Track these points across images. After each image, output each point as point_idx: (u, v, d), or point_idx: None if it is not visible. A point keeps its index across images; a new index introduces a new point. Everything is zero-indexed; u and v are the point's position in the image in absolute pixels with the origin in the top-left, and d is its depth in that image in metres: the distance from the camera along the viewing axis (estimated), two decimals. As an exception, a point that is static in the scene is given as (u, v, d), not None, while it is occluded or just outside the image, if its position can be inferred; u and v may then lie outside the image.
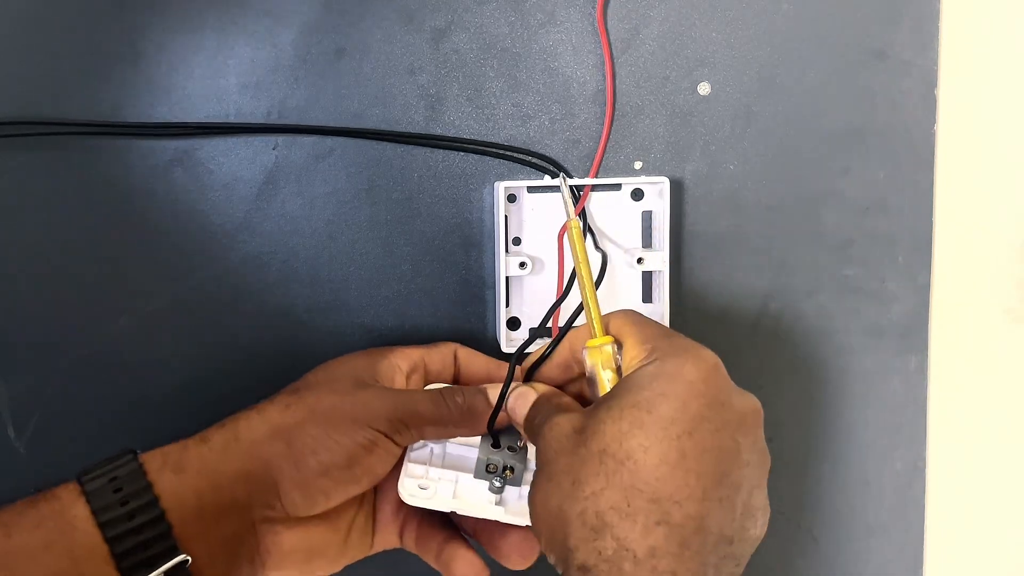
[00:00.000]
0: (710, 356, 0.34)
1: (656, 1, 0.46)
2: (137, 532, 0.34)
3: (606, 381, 0.37)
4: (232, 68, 0.44)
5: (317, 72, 0.44)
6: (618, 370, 0.37)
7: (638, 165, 0.47)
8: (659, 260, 0.47)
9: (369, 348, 0.43)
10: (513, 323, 0.47)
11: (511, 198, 0.46)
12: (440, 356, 0.43)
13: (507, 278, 0.46)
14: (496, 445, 0.41)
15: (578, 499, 0.32)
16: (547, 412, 0.37)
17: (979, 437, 0.53)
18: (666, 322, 0.47)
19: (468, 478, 0.40)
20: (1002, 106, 0.50)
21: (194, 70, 0.44)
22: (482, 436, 0.41)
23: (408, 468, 0.40)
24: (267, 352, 0.46)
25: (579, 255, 0.40)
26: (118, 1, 0.43)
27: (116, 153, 0.43)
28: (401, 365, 0.41)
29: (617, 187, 0.47)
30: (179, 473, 0.36)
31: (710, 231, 0.48)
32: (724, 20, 0.47)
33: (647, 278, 0.48)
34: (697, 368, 0.33)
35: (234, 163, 0.44)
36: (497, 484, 0.39)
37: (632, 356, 0.36)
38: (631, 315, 0.39)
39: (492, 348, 0.47)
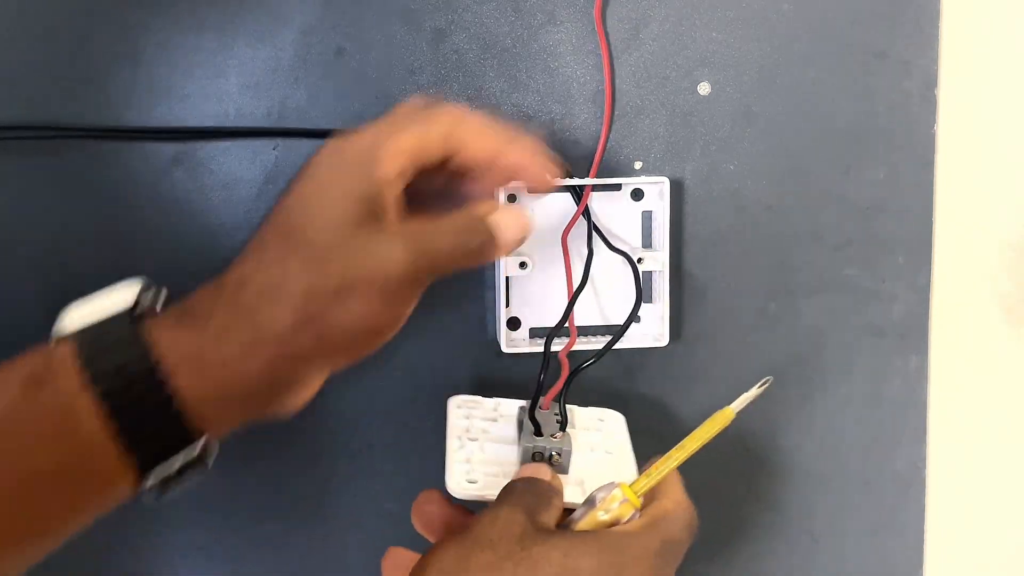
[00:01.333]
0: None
1: (656, 1, 0.46)
2: (154, 427, 0.31)
3: (598, 517, 0.36)
4: (232, 68, 0.44)
5: (317, 72, 0.44)
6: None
7: (638, 165, 0.47)
8: (659, 260, 0.47)
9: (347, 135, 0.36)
10: (513, 323, 0.47)
11: (511, 198, 0.46)
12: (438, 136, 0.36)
13: (507, 278, 0.46)
14: (538, 433, 0.41)
15: None
16: (536, 494, 0.36)
17: (979, 437, 0.53)
18: (666, 322, 0.47)
19: (515, 469, 0.40)
20: (1002, 106, 0.50)
21: (194, 70, 0.44)
22: (522, 426, 0.41)
23: (453, 463, 0.40)
24: (267, 352, 0.46)
25: (703, 439, 0.38)
26: (118, 1, 0.43)
27: (116, 154, 0.43)
28: (395, 170, 0.35)
29: (617, 187, 0.47)
30: (200, 375, 0.32)
31: (710, 231, 0.48)
32: (724, 20, 0.47)
33: (647, 278, 0.48)
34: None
35: (234, 164, 0.44)
36: None
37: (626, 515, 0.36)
38: (684, 514, 0.37)
39: (492, 348, 0.47)
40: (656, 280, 0.48)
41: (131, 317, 0.33)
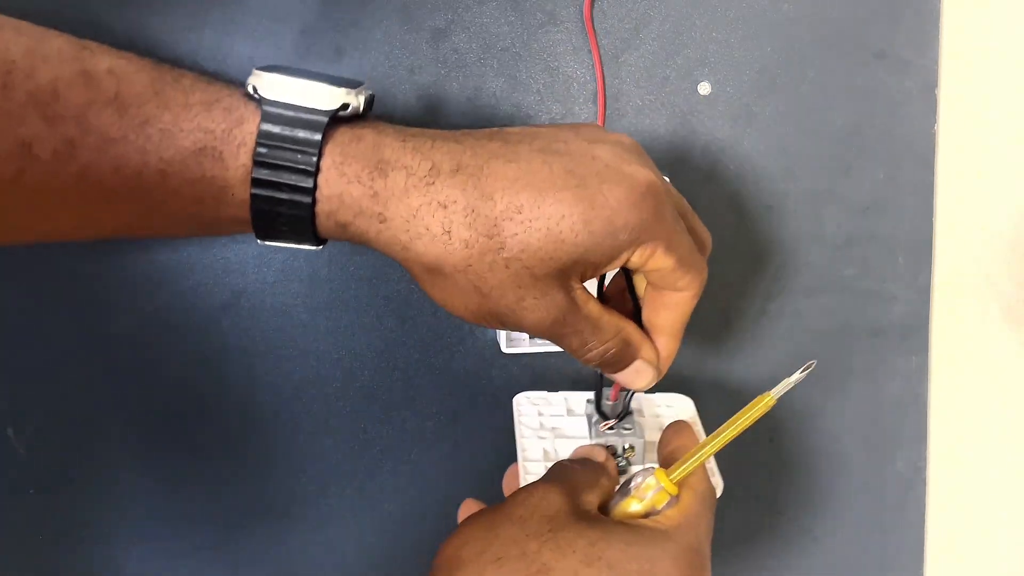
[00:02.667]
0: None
1: (656, 1, 0.46)
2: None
3: (632, 507, 0.36)
4: (232, 68, 0.44)
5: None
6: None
7: (638, 165, 0.47)
8: (659, 260, 0.47)
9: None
10: (513, 323, 0.47)
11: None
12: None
13: (507, 278, 0.46)
14: (610, 428, 0.41)
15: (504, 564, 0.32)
16: (582, 475, 0.36)
17: (979, 437, 0.53)
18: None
19: None
20: (1002, 106, 0.50)
21: (194, 70, 0.44)
22: (592, 422, 0.41)
23: (527, 467, 0.40)
24: (266, 352, 0.46)
25: (742, 425, 0.37)
26: (118, 1, 0.43)
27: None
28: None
29: (617, 187, 0.47)
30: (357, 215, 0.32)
31: (710, 231, 0.48)
32: (724, 20, 0.47)
33: (647, 278, 0.48)
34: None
35: (234, 163, 0.44)
36: (622, 464, 0.40)
37: (661, 503, 0.35)
38: (708, 498, 0.37)
39: (492, 348, 0.47)
40: (656, 280, 0.48)
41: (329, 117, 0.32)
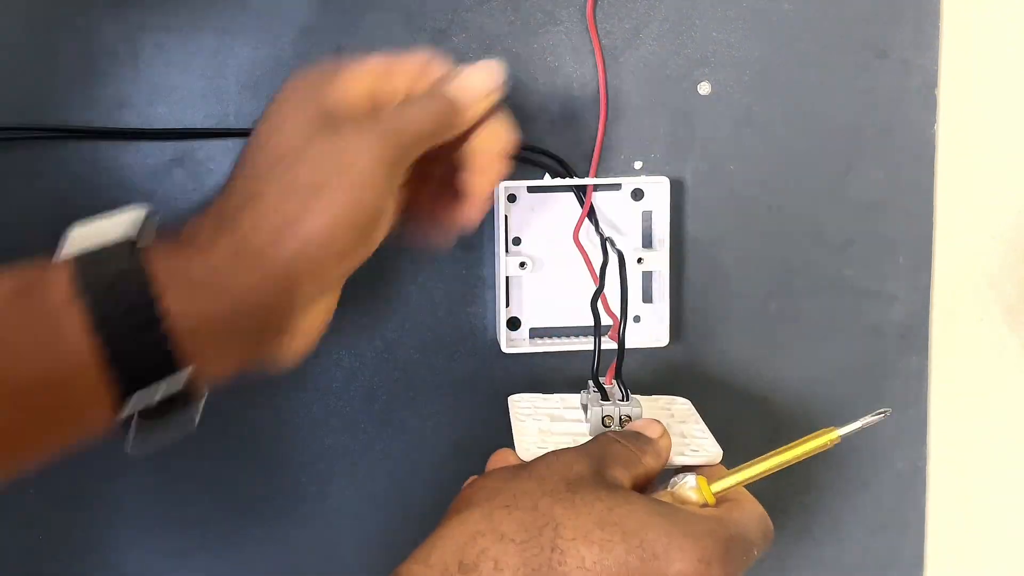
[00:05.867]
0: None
1: (656, 1, 0.46)
2: (138, 346, 0.29)
3: (672, 489, 0.35)
4: (232, 68, 0.44)
5: (317, 72, 0.44)
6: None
7: (638, 165, 0.47)
8: (659, 260, 0.47)
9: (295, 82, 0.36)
10: (513, 323, 0.47)
11: (511, 198, 0.46)
12: (409, 70, 0.37)
13: (507, 278, 0.46)
14: (605, 398, 0.40)
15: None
16: (622, 448, 0.36)
17: (979, 437, 0.53)
18: (666, 322, 0.47)
19: (585, 438, 0.39)
20: (1002, 106, 0.50)
21: (194, 70, 0.44)
22: (589, 393, 0.41)
23: (520, 428, 0.40)
24: (267, 352, 0.46)
25: (798, 454, 0.36)
26: (118, 1, 0.43)
27: (117, 154, 0.43)
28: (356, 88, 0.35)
29: (617, 187, 0.47)
30: (190, 295, 0.30)
31: (710, 231, 0.48)
32: (724, 20, 0.47)
33: (647, 278, 0.48)
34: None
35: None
36: None
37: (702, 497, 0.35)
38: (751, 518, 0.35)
39: (492, 348, 0.47)
40: (656, 280, 0.48)
41: (132, 244, 0.31)
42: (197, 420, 0.32)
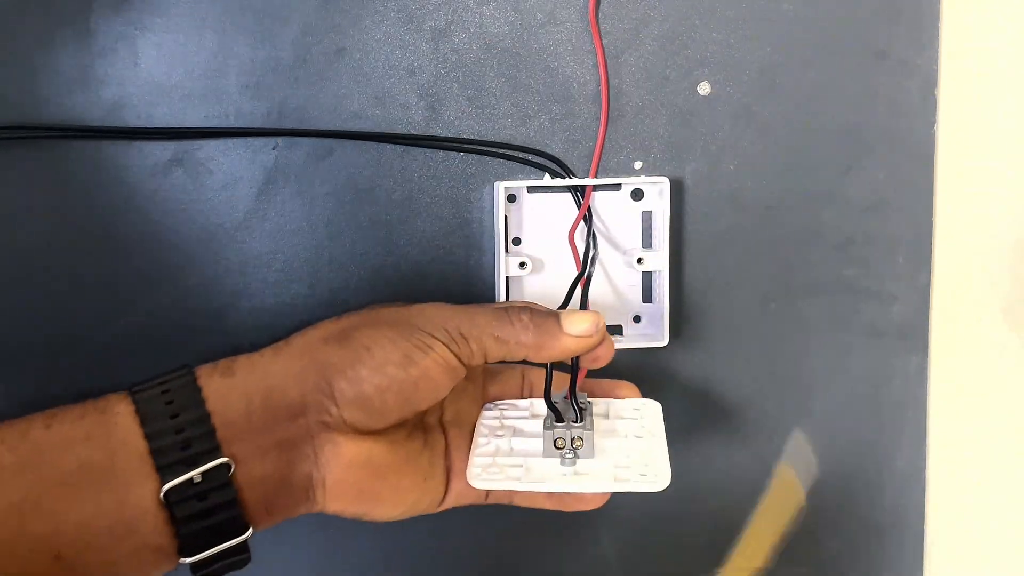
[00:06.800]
0: None
1: (656, 1, 0.46)
2: (178, 431, 0.34)
3: None
4: (232, 68, 0.44)
5: (317, 72, 0.44)
6: None
7: (638, 165, 0.47)
8: (659, 260, 0.47)
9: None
10: (513, 323, 0.47)
11: (511, 198, 0.46)
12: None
13: (507, 278, 0.46)
14: (559, 420, 0.41)
15: None
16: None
17: (979, 437, 0.53)
18: (666, 322, 0.47)
19: (537, 459, 0.40)
20: (1002, 106, 0.50)
21: (194, 70, 0.44)
22: (544, 419, 0.41)
23: (478, 448, 0.40)
24: (267, 352, 0.46)
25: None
26: (118, 1, 0.43)
27: (117, 154, 0.43)
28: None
29: (617, 187, 0.47)
30: (228, 376, 0.36)
31: (710, 231, 0.48)
32: (724, 20, 0.47)
33: (647, 278, 0.48)
34: None
35: (234, 163, 0.44)
36: (569, 457, 0.40)
37: None
38: None
39: (492, 348, 0.47)
40: (656, 280, 0.48)
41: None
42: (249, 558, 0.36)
